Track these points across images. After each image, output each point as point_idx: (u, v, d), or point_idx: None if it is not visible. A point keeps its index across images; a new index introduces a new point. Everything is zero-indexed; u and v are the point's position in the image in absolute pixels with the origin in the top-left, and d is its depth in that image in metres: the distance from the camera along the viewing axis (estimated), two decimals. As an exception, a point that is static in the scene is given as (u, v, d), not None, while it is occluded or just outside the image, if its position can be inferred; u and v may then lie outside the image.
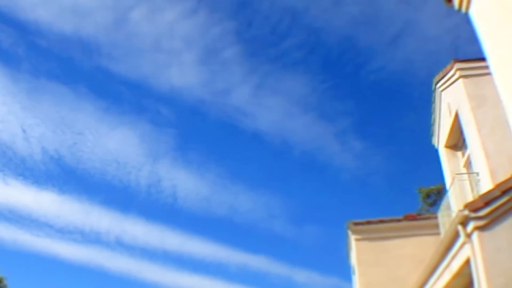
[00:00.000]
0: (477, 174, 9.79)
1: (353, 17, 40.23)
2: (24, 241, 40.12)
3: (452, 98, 11.14)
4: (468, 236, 7.07)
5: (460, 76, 10.51)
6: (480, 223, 6.90)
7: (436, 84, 11.98)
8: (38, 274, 42.21)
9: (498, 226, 6.88)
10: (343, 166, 45.24)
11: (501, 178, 7.87)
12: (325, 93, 44.47)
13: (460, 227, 7.14)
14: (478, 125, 9.65)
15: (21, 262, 40.88)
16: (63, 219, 42.75)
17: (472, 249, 6.97)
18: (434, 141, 13.06)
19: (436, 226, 11.98)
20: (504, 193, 6.96)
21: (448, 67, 10.99)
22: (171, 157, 45.66)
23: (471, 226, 6.98)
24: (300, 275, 43.34)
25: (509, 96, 6.63)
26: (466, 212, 6.96)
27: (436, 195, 22.72)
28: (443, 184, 13.59)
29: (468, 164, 11.07)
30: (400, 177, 42.12)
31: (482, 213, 6.91)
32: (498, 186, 7.13)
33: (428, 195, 23.33)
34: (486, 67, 8.17)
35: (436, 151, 12.97)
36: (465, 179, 10.69)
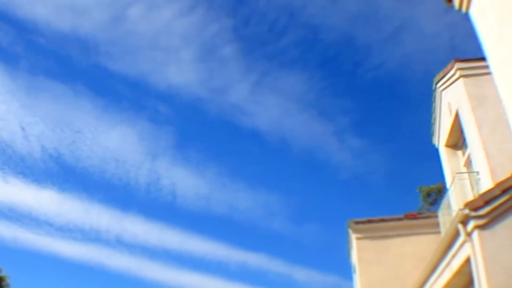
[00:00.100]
0: (477, 173, 9.83)
1: (350, 15, 40.12)
2: (24, 239, 40.28)
3: (453, 97, 11.18)
4: (469, 235, 7.11)
5: (461, 76, 10.54)
6: (480, 222, 6.93)
7: (436, 84, 12.01)
8: (39, 272, 42.40)
9: (498, 225, 6.91)
10: (342, 164, 45.29)
11: (501, 177, 7.91)
12: (323, 90, 44.50)
13: (460, 226, 7.18)
14: (478, 125, 9.68)
15: (22, 261, 41.05)
16: (63, 217, 42.83)
17: (472, 248, 7.00)
18: (435, 140, 13.10)
19: (437, 225, 12.02)
20: (504, 192, 6.99)
21: (449, 66, 11.03)
22: (170, 155, 45.74)
23: (471, 225, 7.01)
24: (300, 273, 43.47)
25: (509, 96, 6.67)
26: (467, 211, 7.00)
27: (436, 194, 22.76)
28: (444, 183, 13.63)
29: (468, 163, 11.11)
30: (400, 176, 42.19)
31: (482, 212, 6.95)
32: (498, 185, 7.17)
33: (428, 194, 23.36)
34: (486, 66, 8.21)
35: (436, 150, 13.02)
36: (465, 178, 10.73)
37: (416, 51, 42.18)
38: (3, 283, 22.52)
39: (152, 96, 43.83)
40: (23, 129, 40.38)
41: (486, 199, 7.00)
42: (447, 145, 12.18)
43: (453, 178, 10.97)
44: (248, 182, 47.52)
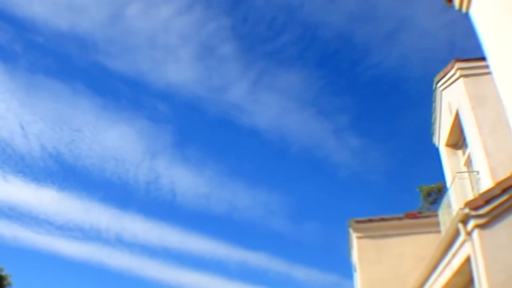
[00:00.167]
0: (478, 172, 9.85)
1: (349, 13, 40.11)
2: (25, 238, 40.30)
3: (453, 97, 11.21)
4: (469, 234, 7.13)
5: (461, 76, 10.57)
6: (481, 221, 6.96)
7: (436, 83, 12.04)
8: (39, 271, 42.40)
9: (498, 224, 6.94)
10: (341, 163, 45.36)
11: (501, 176, 7.92)
12: (322, 89, 44.49)
13: (460, 225, 7.21)
14: (479, 124, 9.71)
15: (22, 260, 41.07)
16: (63, 216, 42.88)
17: (473, 247, 7.03)
18: (435, 139, 13.13)
19: (437, 224, 12.04)
20: (504, 191, 7.02)
21: (449, 66, 11.06)
22: (169, 154, 45.79)
23: (471, 224, 7.04)
24: (299, 272, 43.49)
25: (509, 95, 6.70)
26: (467, 210, 7.02)
27: (436, 193, 22.79)
28: (444, 182, 13.65)
29: (469, 162, 11.13)
30: (400, 175, 42.21)
31: (482, 211, 6.98)
32: (498, 184, 7.19)
33: (429, 194, 23.40)
34: (487, 66, 8.24)
35: (436, 150, 13.04)
36: (465, 178, 10.75)
37: (415, 49, 42.21)
38: (5, 282, 22.56)
39: (150, 94, 43.91)
40: (22, 127, 40.47)
41: (486, 198, 7.03)
42: (447, 145, 12.20)
43: (453, 178, 10.99)
44: (248, 181, 47.58)
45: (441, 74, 11.61)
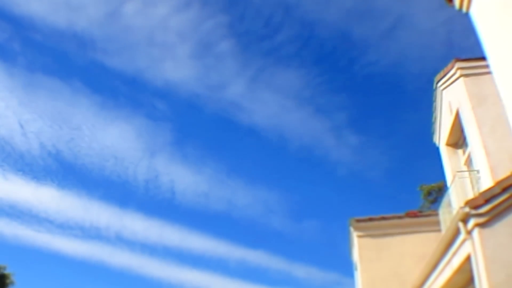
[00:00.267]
0: (478, 171, 9.89)
1: (346, 11, 40.09)
2: (25, 236, 40.44)
3: (453, 96, 11.25)
4: (469, 233, 7.17)
5: (461, 75, 10.61)
6: (481, 220, 7.00)
7: (437, 83, 12.08)
8: (40, 269, 42.48)
9: (499, 223, 6.97)
10: (340, 161, 45.37)
11: (502, 175, 7.96)
12: (320, 87, 44.47)
13: (461, 224, 7.24)
14: (479, 124, 9.75)
15: (23, 258, 41.15)
16: (63, 214, 43.05)
17: (473, 246, 7.07)
18: (435, 139, 13.17)
19: (437, 223, 12.09)
20: (504, 190, 7.05)
21: (449, 66, 11.09)
22: (168, 152, 45.81)
23: (471, 223, 7.08)
24: (299, 270, 43.50)
25: (509, 95, 6.74)
26: (467, 209, 7.06)
27: (437, 192, 22.85)
28: (444, 181, 13.70)
29: (469, 161, 11.17)
30: (399, 173, 42.22)
31: (482, 210, 7.01)
32: (498, 183, 7.22)
33: (429, 193, 23.45)
34: (487, 66, 8.27)
35: (437, 149, 13.08)
36: (465, 177, 10.79)
37: (412, 47, 42.22)
38: (8, 281, 22.61)
39: (149, 92, 43.96)
40: (21, 126, 40.54)
41: (486, 197, 7.06)
42: (448, 144, 12.24)
43: (454, 177, 11.03)
44: (247, 179, 47.55)
45: (442, 73, 11.65)
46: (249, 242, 47.72)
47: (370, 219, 14.69)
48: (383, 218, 14.65)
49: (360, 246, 14.38)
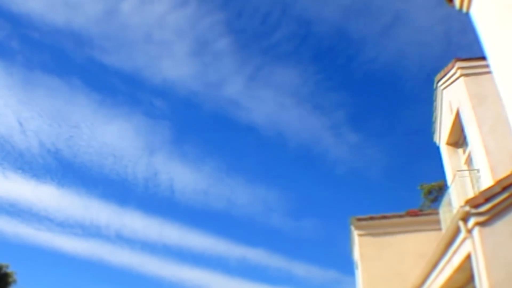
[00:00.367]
0: (478, 170, 9.93)
1: (344, 8, 39.95)
2: (25, 234, 40.46)
3: (453, 96, 11.29)
4: (469, 231, 7.20)
5: (461, 75, 10.65)
6: (481, 219, 7.04)
7: (437, 83, 12.12)
8: (40, 268, 42.54)
9: (499, 221, 7.00)
10: (339, 158, 45.31)
11: (502, 174, 8.00)
12: (318, 84, 44.43)
13: (461, 223, 7.28)
14: (479, 123, 9.79)
15: (24, 256, 41.20)
16: (63, 212, 43.05)
17: (473, 244, 7.11)
18: (436, 138, 13.21)
19: (438, 222, 12.13)
20: (504, 189, 7.08)
21: (449, 65, 11.13)
22: (167, 150, 45.83)
23: (472, 221, 7.12)
24: (299, 268, 43.55)
25: (509, 94, 6.78)
26: (467, 208, 7.10)
27: (437, 191, 22.90)
28: (445, 180, 13.74)
29: (469, 161, 11.21)
30: (399, 172, 42.21)
31: (482, 209, 7.05)
32: (498, 182, 7.25)
33: (429, 192, 23.50)
34: (487, 65, 8.31)
35: (437, 148, 13.13)
36: (466, 176, 10.83)
37: (410, 44, 42.10)
38: (10, 279, 22.68)
39: (147, 90, 43.96)
40: (20, 124, 40.57)
41: (487, 196, 7.10)
42: (448, 143, 12.28)
43: (454, 176, 11.08)
44: (246, 177, 47.54)
45: (442, 73, 11.69)
46: (248, 240, 47.82)
47: (371, 218, 14.74)
48: (384, 217, 14.69)
49: (361, 245, 14.43)
